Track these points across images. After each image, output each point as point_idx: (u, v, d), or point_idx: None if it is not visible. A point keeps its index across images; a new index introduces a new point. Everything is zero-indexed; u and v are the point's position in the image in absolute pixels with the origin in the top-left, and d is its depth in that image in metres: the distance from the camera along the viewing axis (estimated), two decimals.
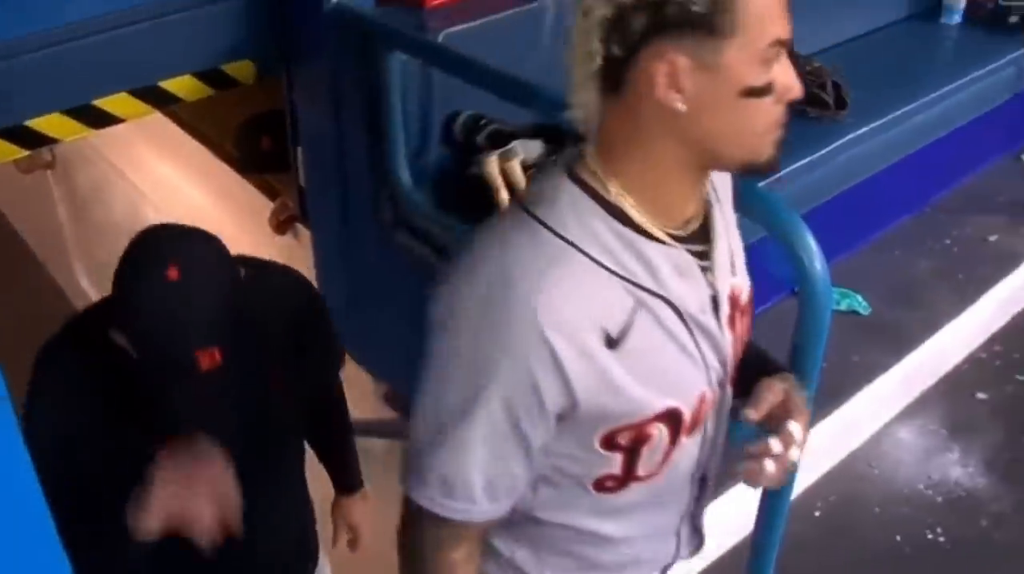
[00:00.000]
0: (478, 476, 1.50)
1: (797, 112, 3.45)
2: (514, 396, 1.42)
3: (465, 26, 2.93)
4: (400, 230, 2.97)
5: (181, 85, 3.13)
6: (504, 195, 2.77)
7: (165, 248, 1.84)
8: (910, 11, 4.47)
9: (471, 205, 2.85)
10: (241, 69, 3.22)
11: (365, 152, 2.96)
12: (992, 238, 4.29)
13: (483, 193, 2.78)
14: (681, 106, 1.37)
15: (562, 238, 1.43)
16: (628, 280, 1.45)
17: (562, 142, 2.95)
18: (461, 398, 1.44)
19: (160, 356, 1.79)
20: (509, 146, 2.87)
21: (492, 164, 2.79)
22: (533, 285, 1.38)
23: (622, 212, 1.46)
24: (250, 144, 4.02)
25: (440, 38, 2.87)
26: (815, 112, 3.55)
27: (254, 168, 4.06)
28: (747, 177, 1.59)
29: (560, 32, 2.83)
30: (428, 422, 1.51)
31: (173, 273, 1.77)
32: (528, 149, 2.91)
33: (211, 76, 3.18)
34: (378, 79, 2.80)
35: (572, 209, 1.45)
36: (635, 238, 1.46)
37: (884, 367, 3.57)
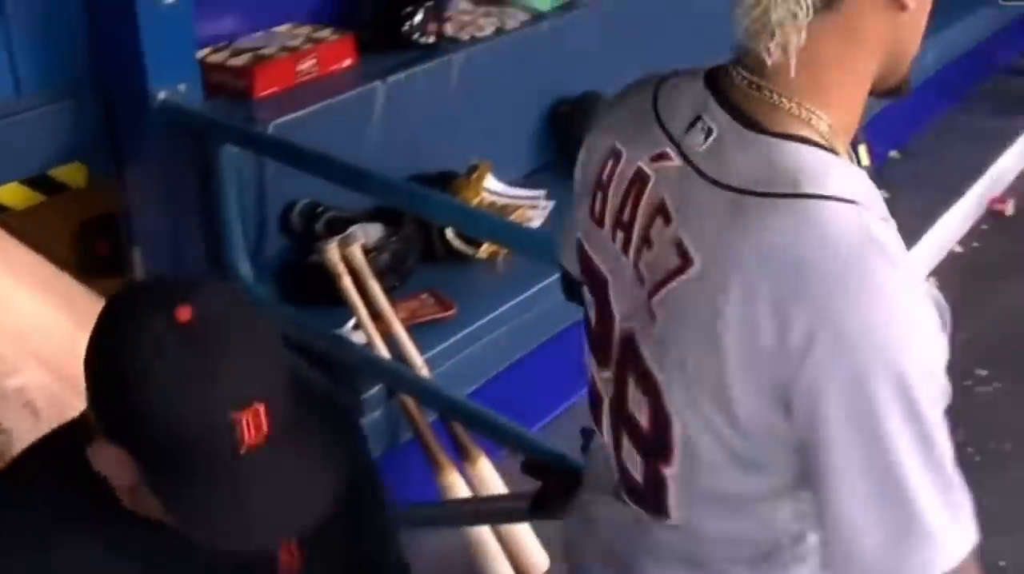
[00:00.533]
0: None
1: None
2: None
3: (295, 115, 2.94)
4: None
5: (9, 193, 3.06)
6: (347, 281, 2.77)
7: (169, 289, 1.26)
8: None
9: (314, 294, 2.84)
10: (72, 172, 3.16)
11: (203, 248, 2.92)
12: None
13: (325, 281, 2.77)
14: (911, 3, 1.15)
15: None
16: None
17: (401, 223, 2.98)
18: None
19: (190, 443, 1.18)
20: (348, 231, 2.88)
21: (332, 251, 2.78)
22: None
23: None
24: (86, 248, 3.93)
25: (271, 128, 2.87)
26: None
27: (92, 272, 3.96)
28: (887, 98, 1.30)
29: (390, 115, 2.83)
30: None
31: (184, 313, 1.19)
32: (368, 232, 2.93)
33: (40, 182, 3.11)
34: (211, 173, 2.78)
35: (852, 176, 1.17)
36: None
37: None
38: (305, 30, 3.34)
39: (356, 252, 2.80)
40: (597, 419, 1.41)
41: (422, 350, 2.76)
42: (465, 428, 2.74)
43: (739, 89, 1.21)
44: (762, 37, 1.16)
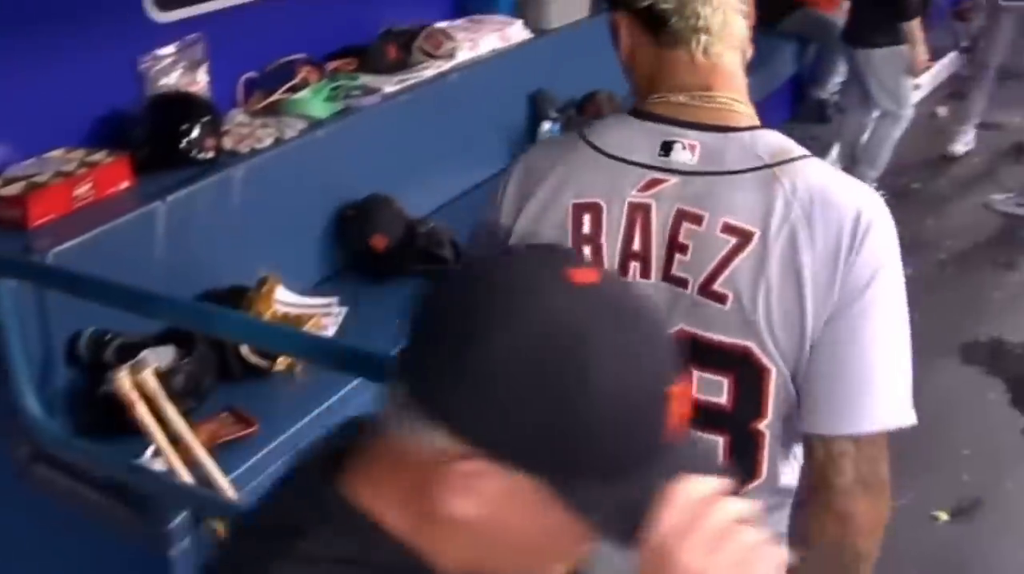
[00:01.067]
0: None
1: (422, 273, 3.59)
2: None
3: (74, 242, 2.89)
4: (39, 465, 2.81)
5: None
6: (142, 408, 2.70)
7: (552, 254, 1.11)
8: (510, 160, 4.71)
9: (109, 425, 2.76)
10: None
11: None
12: None
13: (119, 410, 2.70)
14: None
15: None
16: None
17: (194, 343, 2.93)
18: None
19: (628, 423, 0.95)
20: (139, 357, 2.81)
21: (123, 379, 2.71)
22: None
23: None
24: None
25: (49, 258, 2.80)
26: (437, 270, 3.66)
27: None
28: None
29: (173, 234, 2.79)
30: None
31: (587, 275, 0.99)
32: (160, 356, 2.87)
33: None
34: None
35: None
36: None
37: None
38: (79, 154, 3.27)
39: (149, 378, 2.74)
40: None
41: (227, 470, 2.71)
42: None
43: (693, 108, 1.53)
44: (726, 52, 1.56)
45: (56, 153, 3.28)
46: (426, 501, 0.98)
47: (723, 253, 1.46)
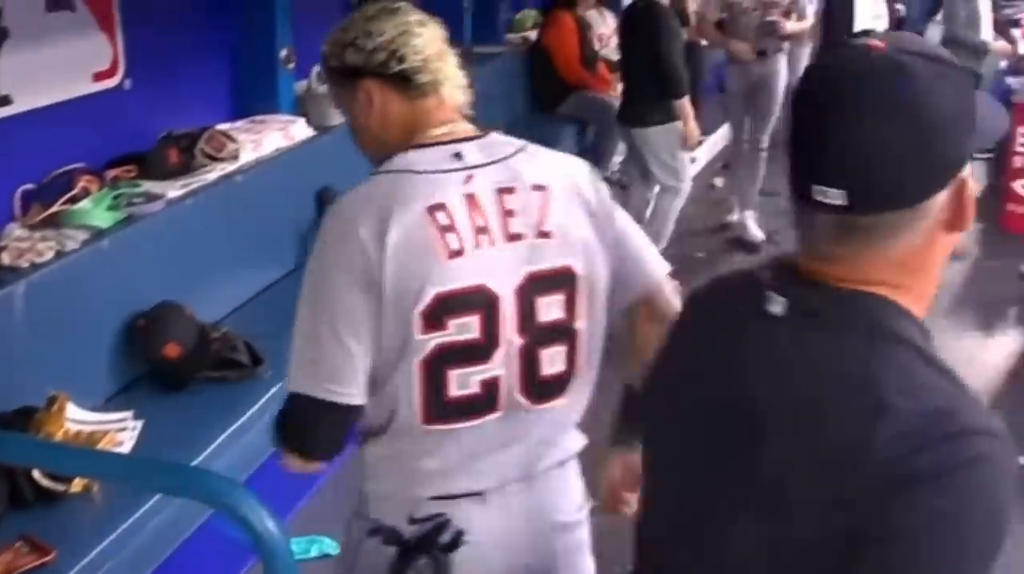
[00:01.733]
0: None
1: (218, 380, 3.54)
2: None
3: None
4: None
5: None
6: None
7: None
8: (301, 260, 4.69)
9: None
10: None
11: None
12: None
13: None
14: None
15: None
16: None
17: None
18: None
19: None
20: None
21: None
22: None
23: None
24: None
25: None
26: (235, 375, 3.62)
27: None
28: None
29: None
30: None
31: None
32: None
33: None
34: None
35: None
36: None
37: None
38: None
39: None
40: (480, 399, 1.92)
41: None
42: None
43: (454, 132, 2.00)
44: (459, 94, 2.04)
45: None
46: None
47: (538, 204, 1.93)
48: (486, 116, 2.08)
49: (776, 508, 1.25)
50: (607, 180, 2.37)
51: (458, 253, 1.85)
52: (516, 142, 2.01)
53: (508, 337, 1.89)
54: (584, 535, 2.07)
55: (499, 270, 1.89)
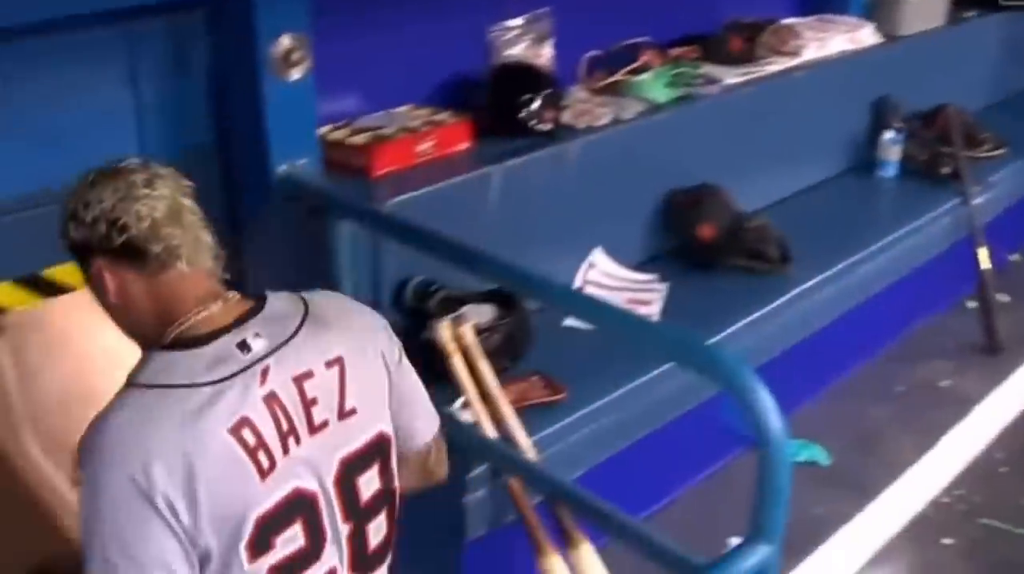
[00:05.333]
0: None
1: (744, 269, 3.54)
2: None
3: (412, 194, 2.96)
4: None
5: None
6: (458, 360, 2.76)
7: None
8: (847, 166, 4.58)
9: (425, 370, 2.82)
10: None
11: None
12: (944, 383, 4.32)
13: (436, 358, 2.77)
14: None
15: None
16: None
17: (513, 306, 2.97)
18: None
19: None
20: (461, 311, 2.87)
21: (444, 329, 2.78)
22: None
23: None
24: None
25: (387, 207, 2.89)
26: (762, 268, 3.59)
27: None
28: None
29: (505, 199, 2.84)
30: None
31: None
32: (480, 313, 2.92)
33: None
34: (327, 247, 2.80)
35: None
36: None
37: (847, 517, 3.53)
38: (424, 112, 3.38)
39: (468, 332, 2.80)
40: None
41: (530, 432, 2.74)
42: (569, 513, 2.70)
43: (227, 310, 1.70)
44: (207, 260, 1.72)
45: (403, 109, 3.41)
46: None
47: (336, 382, 1.74)
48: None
49: None
50: None
51: (271, 469, 1.64)
52: (297, 307, 1.76)
53: (336, 529, 1.75)
54: None
55: (312, 468, 1.71)
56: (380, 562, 1.87)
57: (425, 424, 2.03)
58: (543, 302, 2.96)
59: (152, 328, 1.71)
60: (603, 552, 2.73)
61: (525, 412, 2.79)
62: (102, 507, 1.56)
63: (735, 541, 2.05)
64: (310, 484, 1.70)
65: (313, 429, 1.71)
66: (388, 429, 1.85)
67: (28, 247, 2.92)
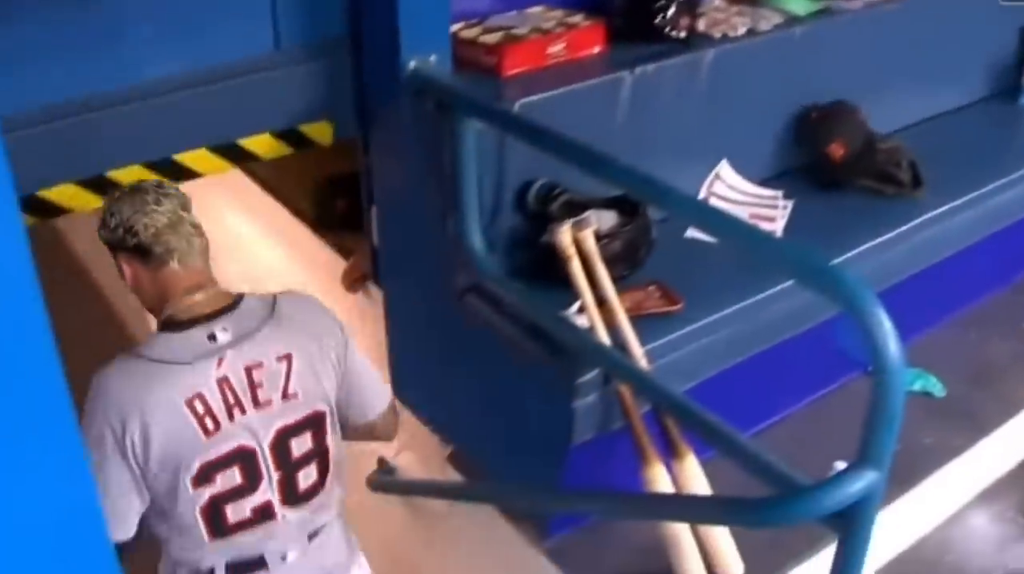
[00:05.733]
0: None
1: (873, 191, 3.46)
2: None
3: (541, 96, 2.95)
4: (471, 295, 2.97)
5: (260, 143, 3.17)
6: (576, 265, 2.77)
7: None
8: (989, 92, 4.43)
9: (543, 273, 2.85)
10: (319, 130, 3.25)
11: (438, 216, 2.97)
12: None
13: (555, 261, 2.78)
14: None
15: None
16: None
17: (636, 213, 2.96)
18: None
19: None
20: (583, 216, 2.87)
21: (565, 233, 2.79)
22: None
23: None
24: (326, 204, 4.07)
25: (516, 107, 2.88)
26: (891, 191, 3.51)
27: (329, 227, 4.10)
28: None
29: (635, 105, 2.81)
30: None
31: None
32: (602, 219, 2.92)
33: (289, 136, 3.22)
34: (453, 145, 2.81)
35: None
36: None
37: (958, 451, 3.49)
38: (557, 14, 3.35)
39: (588, 237, 2.80)
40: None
41: (643, 341, 2.75)
42: (677, 424, 2.72)
43: (209, 300, 2.45)
44: (197, 260, 2.45)
45: (537, 10, 3.38)
46: None
47: (283, 373, 2.44)
48: None
49: None
50: None
51: (216, 429, 2.34)
52: (266, 307, 2.48)
53: (269, 475, 2.46)
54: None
55: (252, 432, 2.41)
56: (308, 499, 2.55)
57: (376, 400, 2.74)
58: (667, 211, 2.94)
59: (156, 305, 2.41)
60: (706, 465, 2.75)
61: (640, 321, 2.79)
62: (87, 435, 2.23)
63: (841, 465, 2.04)
64: (250, 442, 2.41)
65: (257, 405, 2.41)
66: (324, 408, 2.53)
67: (161, 132, 3.00)
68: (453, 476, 3.53)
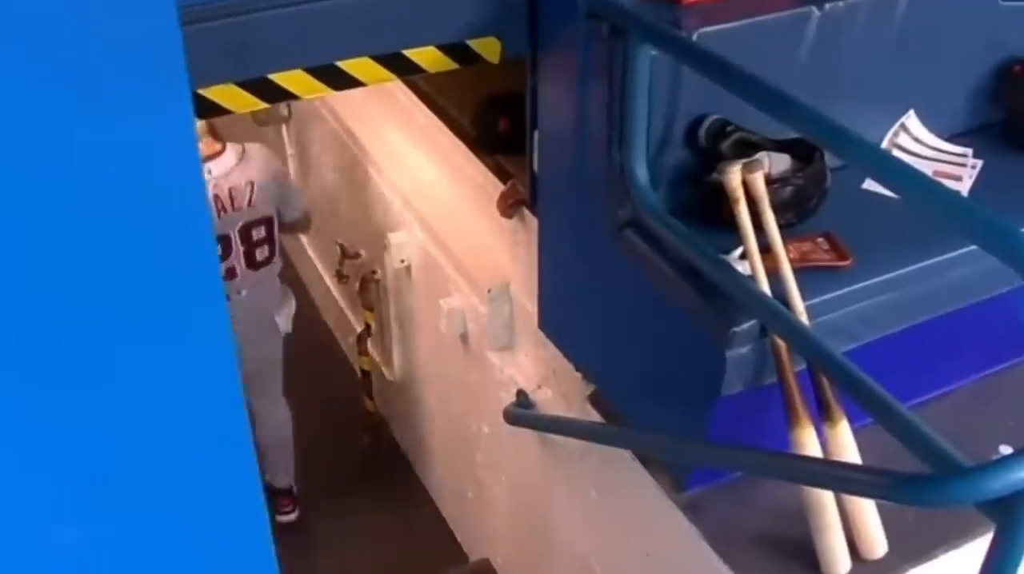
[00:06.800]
0: None
1: None
2: None
3: (722, 27, 2.80)
4: (628, 229, 2.86)
5: (425, 56, 3.10)
6: (743, 208, 2.63)
7: None
8: None
9: (707, 213, 2.73)
10: (486, 46, 3.17)
11: (603, 146, 2.86)
12: None
13: (721, 203, 2.65)
14: None
15: None
16: None
17: (811, 159, 2.80)
18: None
19: None
20: (755, 157, 2.73)
21: (734, 174, 2.65)
22: None
23: None
24: (487, 123, 3.98)
25: (695, 37, 2.74)
26: None
27: (488, 148, 4.02)
28: None
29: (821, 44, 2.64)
30: None
31: None
32: (775, 162, 2.77)
33: (456, 50, 3.14)
34: (625, 73, 2.70)
35: None
36: None
37: None
38: None
39: (758, 180, 2.66)
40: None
41: (805, 296, 2.61)
42: (833, 386, 2.58)
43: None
44: None
45: None
46: None
47: (248, 191, 4.52)
48: None
49: None
50: None
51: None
52: (239, 154, 4.54)
53: (237, 250, 4.54)
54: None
55: (230, 224, 4.47)
56: (264, 265, 4.72)
57: (294, 211, 4.88)
58: (846, 160, 2.76)
59: None
60: (857, 434, 2.62)
61: (804, 274, 2.64)
62: None
63: (1006, 450, 1.90)
64: (227, 231, 4.45)
65: (234, 209, 4.46)
66: (271, 212, 4.66)
67: (325, 37, 2.94)
68: (592, 416, 3.45)
